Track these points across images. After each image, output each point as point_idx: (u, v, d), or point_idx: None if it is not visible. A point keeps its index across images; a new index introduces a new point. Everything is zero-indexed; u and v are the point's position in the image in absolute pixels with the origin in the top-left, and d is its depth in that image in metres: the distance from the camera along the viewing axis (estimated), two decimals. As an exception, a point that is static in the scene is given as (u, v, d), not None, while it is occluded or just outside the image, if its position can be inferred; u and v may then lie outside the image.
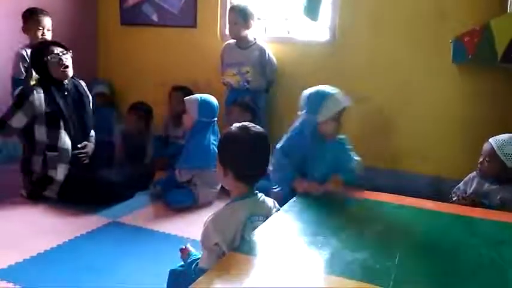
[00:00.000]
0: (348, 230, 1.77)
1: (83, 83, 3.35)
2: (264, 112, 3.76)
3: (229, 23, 3.76)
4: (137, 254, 2.44)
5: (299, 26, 3.95)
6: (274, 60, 3.78)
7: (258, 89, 3.75)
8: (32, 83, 3.33)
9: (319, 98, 2.34)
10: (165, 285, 1.84)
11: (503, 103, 3.31)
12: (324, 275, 1.40)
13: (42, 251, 2.39)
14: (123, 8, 4.50)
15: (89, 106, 3.34)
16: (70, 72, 3.15)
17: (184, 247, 1.83)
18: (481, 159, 2.60)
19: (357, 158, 2.40)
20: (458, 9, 3.35)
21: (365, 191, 2.23)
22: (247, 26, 3.66)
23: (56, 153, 3.07)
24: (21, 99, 3.00)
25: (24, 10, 3.50)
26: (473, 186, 2.61)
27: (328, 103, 2.31)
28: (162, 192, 3.22)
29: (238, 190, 1.68)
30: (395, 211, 2.02)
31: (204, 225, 1.62)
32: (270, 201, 1.77)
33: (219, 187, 3.22)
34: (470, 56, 3.26)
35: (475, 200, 2.50)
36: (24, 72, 3.44)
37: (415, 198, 2.19)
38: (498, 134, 2.59)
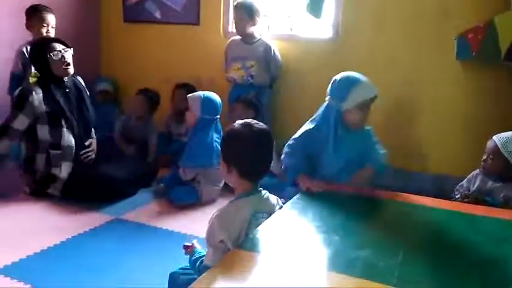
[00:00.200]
0: (351, 227, 1.77)
1: (80, 79, 3.34)
2: (268, 109, 3.76)
3: (235, 20, 3.76)
4: (140, 251, 2.44)
5: (302, 23, 3.94)
6: (279, 56, 3.78)
7: (262, 85, 3.75)
8: (31, 79, 3.33)
9: (347, 84, 2.22)
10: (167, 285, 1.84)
11: (507, 100, 3.30)
12: (327, 272, 1.40)
13: (45, 248, 2.40)
14: (126, 5, 4.49)
15: (89, 102, 3.34)
16: (71, 69, 3.15)
17: (189, 244, 1.83)
18: (484, 157, 2.59)
19: (382, 151, 2.37)
20: (461, 6, 3.33)
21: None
22: (253, 22, 3.67)
23: (59, 151, 3.08)
24: (21, 101, 3.00)
25: (27, 7, 3.49)
26: (477, 183, 2.61)
27: (356, 90, 2.19)
28: (165, 190, 3.22)
29: (242, 187, 1.68)
30: (397, 209, 2.02)
31: (209, 223, 1.62)
32: (273, 198, 1.77)
33: (222, 185, 3.23)
34: (474, 53, 3.25)
35: (478, 197, 2.49)
36: (22, 69, 3.44)
37: (417, 196, 2.18)
38: (502, 132, 2.59)
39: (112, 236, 2.61)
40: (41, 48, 3.09)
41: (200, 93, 3.26)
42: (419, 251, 1.64)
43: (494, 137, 2.56)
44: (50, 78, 3.09)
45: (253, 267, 1.42)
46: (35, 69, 3.23)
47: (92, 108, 3.34)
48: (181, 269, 1.82)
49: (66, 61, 3.10)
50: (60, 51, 3.09)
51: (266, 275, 1.38)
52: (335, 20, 3.76)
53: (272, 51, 3.72)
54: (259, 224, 1.63)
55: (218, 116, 3.27)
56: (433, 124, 3.53)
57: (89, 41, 4.57)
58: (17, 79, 3.42)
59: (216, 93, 3.30)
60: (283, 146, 2.47)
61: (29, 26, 3.47)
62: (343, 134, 2.29)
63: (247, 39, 3.74)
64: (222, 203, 3.06)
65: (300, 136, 2.40)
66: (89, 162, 3.24)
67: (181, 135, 3.99)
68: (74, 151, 3.13)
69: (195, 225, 2.76)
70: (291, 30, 4.00)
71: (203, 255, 1.69)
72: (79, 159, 3.17)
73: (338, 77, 2.32)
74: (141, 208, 3.03)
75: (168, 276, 1.82)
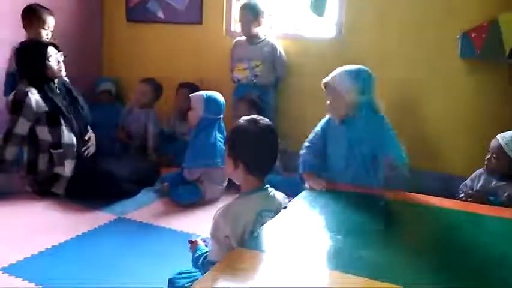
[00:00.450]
0: (356, 226, 1.77)
1: (66, 79, 3.33)
2: (272, 108, 3.76)
3: (240, 21, 3.77)
4: (144, 250, 2.45)
5: (306, 23, 3.94)
6: (285, 56, 3.78)
7: (266, 85, 3.74)
8: None
9: (373, 77, 2.27)
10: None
11: (511, 99, 3.29)
12: (331, 272, 1.39)
13: (49, 247, 2.41)
14: (129, 4, 4.50)
15: (82, 100, 3.33)
16: (64, 72, 3.22)
17: (194, 240, 1.84)
18: (488, 156, 2.59)
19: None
20: (465, 5, 3.32)
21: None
22: (258, 23, 3.68)
23: (61, 150, 3.09)
24: (18, 105, 3.00)
25: (28, 5, 3.41)
26: (481, 182, 2.60)
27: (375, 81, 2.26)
28: (169, 189, 3.23)
29: (248, 184, 1.69)
30: (402, 208, 2.01)
31: (213, 218, 1.63)
32: (280, 196, 1.78)
33: (225, 184, 3.23)
34: (477, 52, 3.24)
35: (482, 196, 2.49)
36: (16, 68, 3.37)
37: (422, 195, 2.17)
38: (505, 131, 2.58)
39: (115, 234, 2.62)
40: (39, 52, 3.09)
41: (203, 92, 3.27)
42: (425, 250, 1.64)
43: (498, 136, 2.56)
44: (43, 80, 3.10)
45: (257, 266, 1.42)
46: (29, 72, 3.12)
47: (87, 106, 3.36)
48: (179, 273, 1.82)
49: (61, 65, 3.16)
50: (56, 55, 3.13)
51: (270, 274, 1.38)
52: (338, 19, 3.76)
53: (278, 51, 3.73)
54: (264, 223, 1.63)
55: (221, 116, 3.27)
56: (436, 123, 3.52)
57: (91, 41, 4.58)
58: (13, 78, 3.39)
59: (220, 93, 3.30)
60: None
61: (27, 25, 3.39)
62: (337, 125, 2.29)
63: (253, 39, 3.74)
64: (225, 202, 3.07)
65: (312, 133, 2.41)
66: (89, 156, 3.24)
67: (184, 134, 3.99)
68: (75, 148, 3.14)
69: (199, 224, 2.76)
70: (297, 29, 4.00)
71: (206, 252, 1.70)
72: (81, 155, 3.17)
73: (354, 72, 2.34)
74: (144, 207, 3.03)
75: (167, 282, 1.82)
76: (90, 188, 3.05)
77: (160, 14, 4.38)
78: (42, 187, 3.11)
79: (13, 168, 3.08)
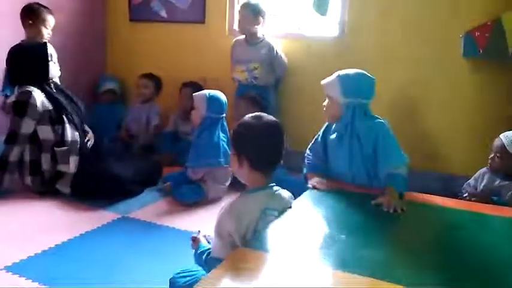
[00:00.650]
0: (360, 226, 1.77)
1: (56, 79, 3.35)
2: (273, 108, 3.75)
3: (239, 18, 3.77)
4: (147, 249, 2.45)
5: (308, 22, 3.94)
6: (284, 57, 3.78)
7: (266, 86, 3.74)
8: None
9: (371, 82, 2.27)
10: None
11: (514, 99, 3.29)
12: (335, 271, 1.39)
13: (53, 246, 2.41)
14: (132, 4, 4.51)
15: (75, 96, 3.35)
16: (59, 72, 3.30)
17: (196, 236, 1.84)
18: (491, 155, 2.59)
19: (401, 156, 2.17)
20: (469, 4, 3.32)
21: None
22: (257, 22, 3.67)
23: (65, 148, 3.10)
24: (23, 106, 3.01)
25: (28, 4, 3.38)
26: (484, 182, 2.60)
27: (374, 86, 2.26)
28: (172, 188, 3.23)
29: (254, 181, 1.68)
30: (406, 207, 2.00)
31: (218, 214, 1.63)
32: (286, 194, 1.77)
33: (228, 183, 3.24)
34: (480, 51, 3.23)
35: (486, 196, 2.49)
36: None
37: (425, 194, 2.17)
38: (509, 130, 2.58)
39: (119, 234, 2.63)
40: (43, 52, 3.11)
41: (206, 91, 3.27)
42: (428, 249, 1.63)
43: (501, 136, 2.56)
44: (43, 79, 3.12)
45: (261, 266, 1.42)
46: (30, 72, 3.11)
47: (82, 103, 3.37)
48: (178, 273, 1.82)
49: (59, 65, 3.22)
50: (54, 54, 3.20)
51: (274, 274, 1.37)
52: (341, 18, 3.76)
53: (275, 52, 3.71)
54: (269, 221, 1.62)
55: (224, 115, 3.28)
56: (439, 122, 3.51)
57: (95, 41, 4.59)
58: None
59: (223, 92, 3.31)
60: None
61: (27, 25, 3.33)
62: (334, 130, 2.30)
63: (251, 39, 3.74)
64: (228, 200, 3.07)
65: (314, 138, 2.43)
66: (90, 152, 3.26)
67: (187, 133, 4.00)
68: (79, 145, 3.16)
69: (202, 223, 2.76)
70: (298, 29, 4.00)
71: (209, 249, 1.70)
72: (84, 153, 3.19)
73: (352, 76, 2.30)
74: (147, 206, 3.04)
75: (168, 282, 1.82)
76: (93, 188, 3.06)
77: (163, 13, 4.39)
78: (46, 186, 3.11)
79: (16, 169, 3.08)
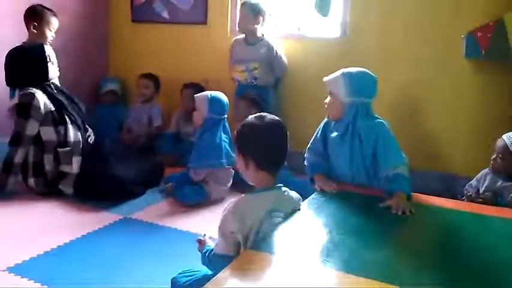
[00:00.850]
0: (366, 228, 1.76)
1: (56, 81, 3.37)
2: (273, 109, 3.75)
3: (239, 17, 3.77)
4: (149, 250, 2.46)
5: (310, 23, 3.94)
6: (284, 57, 3.77)
7: (265, 85, 3.74)
8: None
9: (374, 81, 2.25)
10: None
11: (517, 99, 3.28)
12: (341, 274, 1.38)
13: (55, 247, 2.42)
14: (134, 5, 4.51)
15: (73, 95, 3.36)
16: (57, 73, 3.31)
17: (202, 238, 1.84)
18: (494, 156, 2.58)
19: (400, 159, 2.14)
20: (471, 4, 3.31)
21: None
22: (257, 21, 3.67)
23: (68, 149, 3.11)
24: (26, 107, 3.01)
25: (32, 5, 3.39)
26: (486, 182, 2.60)
27: (377, 84, 2.25)
28: (174, 189, 3.24)
29: (261, 181, 1.68)
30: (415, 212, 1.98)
31: (222, 213, 1.63)
32: (295, 195, 1.77)
33: (230, 184, 3.24)
34: (483, 52, 3.22)
35: (492, 198, 2.47)
36: None
37: (431, 196, 2.15)
38: (511, 131, 2.57)
39: (121, 234, 2.63)
40: (43, 53, 3.13)
41: (207, 93, 3.27)
42: (434, 252, 1.62)
43: (503, 136, 2.55)
44: (44, 81, 3.13)
45: (267, 268, 1.42)
46: (32, 73, 3.12)
47: (82, 105, 3.38)
48: (180, 273, 1.82)
49: (58, 66, 3.24)
50: (54, 56, 3.21)
51: (280, 276, 1.37)
52: (343, 19, 3.76)
53: (274, 52, 3.71)
54: (274, 223, 1.62)
55: (225, 116, 3.28)
56: (441, 123, 3.51)
57: (97, 42, 4.60)
58: None
59: (223, 93, 3.31)
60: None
61: (31, 26, 3.34)
62: (333, 127, 2.29)
63: (250, 38, 3.74)
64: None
65: (313, 137, 2.41)
66: (90, 145, 3.27)
67: (189, 135, 4.01)
68: (81, 145, 3.16)
69: (204, 224, 2.76)
70: (298, 29, 4.00)
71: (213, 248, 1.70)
72: (87, 155, 3.20)
73: (355, 74, 2.28)
74: (149, 207, 3.04)
75: (170, 282, 1.82)
76: (96, 189, 3.06)
77: (165, 15, 4.40)
78: (49, 187, 3.12)
79: (20, 171, 3.09)
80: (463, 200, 2.60)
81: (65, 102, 3.18)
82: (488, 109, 3.35)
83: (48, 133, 3.08)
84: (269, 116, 1.71)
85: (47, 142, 3.09)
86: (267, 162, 1.67)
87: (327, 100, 2.28)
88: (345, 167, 2.23)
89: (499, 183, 2.54)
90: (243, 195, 1.70)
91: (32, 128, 3.04)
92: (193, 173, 3.21)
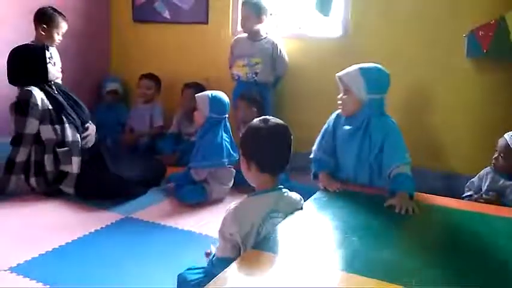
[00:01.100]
0: (370, 228, 1.75)
1: (60, 81, 3.38)
2: (270, 107, 3.74)
3: (241, 17, 3.76)
4: (150, 249, 2.46)
5: (311, 22, 3.93)
6: (286, 56, 3.77)
7: (265, 83, 3.73)
8: None
9: (388, 76, 2.24)
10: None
11: (519, 98, 3.27)
12: (345, 274, 1.38)
13: (57, 247, 2.42)
14: (136, 5, 4.52)
15: (78, 98, 3.37)
16: (60, 74, 3.34)
17: (209, 250, 1.86)
18: (495, 155, 2.58)
19: (405, 159, 2.14)
20: (473, 3, 3.30)
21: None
22: (259, 20, 3.66)
23: (66, 148, 3.11)
24: (25, 105, 3.02)
25: (43, 8, 3.45)
26: (488, 182, 2.59)
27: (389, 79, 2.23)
28: (175, 189, 3.24)
29: (262, 184, 1.69)
30: (416, 210, 1.97)
31: (225, 214, 1.64)
32: (295, 196, 1.77)
33: (231, 184, 3.24)
34: (484, 51, 3.22)
35: (495, 198, 2.47)
36: None
37: (436, 196, 2.15)
38: (513, 130, 2.57)
39: (122, 234, 2.63)
40: (43, 54, 3.14)
41: (208, 92, 3.27)
42: (438, 251, 1.62)
43: (505, 135, 2.55)
44: (43, 81, 3.14)
45: (270, 268, 1.41)
46: (32, 73, 3.14)
47: (84, 104, 3.39)
48: (188, 269, 1.83)
49: (60, 68, 3.27)
50: (57, 57, 3.24)
51: (283, 276, 1.37)
52: (344, 18, 3.75)
53: (279, 50, 3.71)
54: (274, 224, 1.62)
55: (226, 115, 3.28)
56: (443, 122, 3.50)
57: (98, 41, 4.60)
58: None
59: (225, 92, 3.31)
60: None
61: (42, 28, 3.40)
62: (344, 122, 2.27)
63: (254, 37, 3.73)
64: (230, 202, 3.06)
65: (321, 132, 2.40)
66: (88, 146, 3.25)
67: (191, 134, 4.01)
68: (80, 145, 3.16)
69: (205, 223, 2.77)
70: (299, 28, 3.99)
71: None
72: (87, 154, 3.20)
73: (369, 70, 2.30)
74: (151, 207, 3.04)
75: (177, 277, 1.83)
76: (97, 189, 3.07)
77: (166, 14, 4.39)
78: (50, 187, 3.12)
79: (22, 171, 3.09)
80: (467, 197, 2.60)
81: (64, 102, 3.18)
82: (490, 108, 3.34)
83: (47, 131, 3.08)
84: (274, 120, 1.72)
85: (46, 141, 3.09)
86: (268, 165, 1.68)
87: (341, 96, 2.25)
88: (350, 162, 2.22)
89: (501, 182, 2.54)
90: (244, 197, 1.70)
91: (31, 126, 3.04)
92: (195, 173, 3.21)
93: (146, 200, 3.14)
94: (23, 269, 2.19)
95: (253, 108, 3.44)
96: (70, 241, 2.49)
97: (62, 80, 3.41)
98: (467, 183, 2.73)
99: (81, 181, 3.11)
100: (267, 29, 3.78)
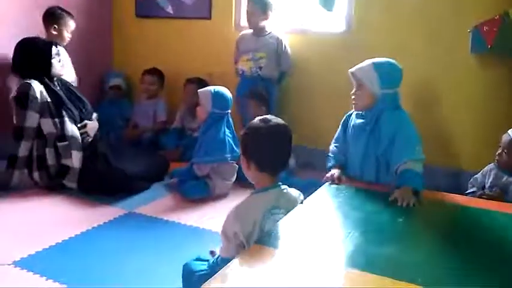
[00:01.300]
0: (373, 223, 1.75)
1: (64, 77, 3.41)
2: (274, 103, 3.74)
3: (247, 13, 3.76)
4: (154, 244, 2.46)
5: (314, 17, 3.92)
6: (290, 52, 3.76)
7: (270, 78, 3.73)
8: None
9: (400, 70, 2.23)
10: (181, 277, 1.86)
11: (523, 94, 3.26)
12: (347, 270, 1.38)
13: (60, 241, 2.43)
14: (138, 0, 4.51)
15: (80, 92, 3.39)
16: (63, 71, 3.37)
17: (214, 250, 1.88)
18: (499, 151, 2.57)
19: (418, 156, 2.12)
20: (476, -1, 3.29)
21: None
22: (265, 16, 3.67)
23: (66, 143, 3.12)
24: (24, 98, 3.03)
25: (52, 8, 3.57)
26: (491, 178, 2.58)
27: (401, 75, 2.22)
28: (178, 184, 3.24)
29: (261, 182, 1.70)
30: (419, 205, 1.97)
31: (227, 213, 1.65)
32: (295, 192, 1.78)
33: (233, 179, 3.24)
34: (489, 46, 3.20)
35: (499, 194, 2.46)
36: None
37: (440, 192, 2.15)
38: (517, 126, 2.56)
39: (125, 229, 2.64)
40: (49, 51, 3.17)
41: (211, 88, 3.27)
42: (442, 247, 1.62)
43: (509, 131, 2.54)
44: (45, 75, 3.16)
45: (272, 263, 1.42)
46: (37, 69, 3.15)
47: (86, 98, 3.40)
48: (196, 259, 1.84)
49: (63, 64, 3.31)
50: (59, 54, 3.24)
51: (284, 271, 1.37)
52: (347, 13, 3.74)
53: (283, 46, 3.71)
54: (276, 220, 1.63)
55: (229, 111, 3.28)
56: (447, 118, 3.49)
57: (101, 37, 4.60)
58: None
59: (227, 88, 3.30)
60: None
61: (53, 29, 3.53)
62: (357, 118, 2.27)
63: (259, 33, 3.74)
64: (233, 197, 3.09)
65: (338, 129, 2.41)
66: (86, 142, 3.23)
67: (194, 130, 4.01)
68: (80, 140, 3.17)
69: (208, 218, 2.78)
70: (302, 24, 3.98)
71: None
72: (89, 150, 3.20)
73: (381, 64, 2.31)
74: (154, 202, 3.05)
75: (182, 267, 1.84)
76: (100, 184, 3.07)
77: (169, 9, 4.39)
78: (53, 181, 3.13)
79: (25, 165, 3.10)
80: (471, 194, 2.59)
81: (64, 96, 3.19)
82: (494, 104, 3.33)
83: (47, 125, 3.09)
84: (274, 120, 1.72)
85: (48, 135, 3.10)
86: (268, 165, 1.69)
87: (354, 91, 2.25)
88: (356, 157, 2.23)
89: (504, 178, 2.53)
90: (247, 193, 1.71)
91: (31, 119, 3.05)
92: (197, 168, 3.21)
93: (149, 195, 3.14)
94: (26, 263, 2.20)
95: (263, 107, 3.45)
96: (73, 236, 2.50)
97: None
98: (471, 180, 2.72)
99: (84, 176, 3.12)
100: (271, 24, 3.77)
